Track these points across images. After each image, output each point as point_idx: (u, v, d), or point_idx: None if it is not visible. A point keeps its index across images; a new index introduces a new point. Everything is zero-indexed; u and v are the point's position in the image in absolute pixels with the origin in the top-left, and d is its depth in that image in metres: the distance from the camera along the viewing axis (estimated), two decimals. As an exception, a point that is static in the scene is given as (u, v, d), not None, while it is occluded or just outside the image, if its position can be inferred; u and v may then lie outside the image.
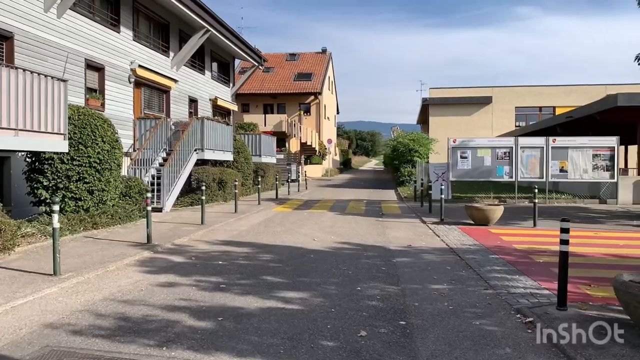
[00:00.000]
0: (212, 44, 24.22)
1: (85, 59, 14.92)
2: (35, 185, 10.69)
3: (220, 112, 26.08)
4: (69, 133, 10.55)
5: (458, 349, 4.38)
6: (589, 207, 17.47)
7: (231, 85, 27.90)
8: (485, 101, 41.90)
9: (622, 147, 26.75)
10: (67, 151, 10.51)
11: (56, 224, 6.92)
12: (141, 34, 18.71)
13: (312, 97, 45.14)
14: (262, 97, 44.84)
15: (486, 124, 41.63)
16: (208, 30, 21.02)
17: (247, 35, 32.02)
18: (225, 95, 26.62)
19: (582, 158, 18.53)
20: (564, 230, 5.34)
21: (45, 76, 9.78)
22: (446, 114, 41.55)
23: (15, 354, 4.28)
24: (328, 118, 50.26)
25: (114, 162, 11.93)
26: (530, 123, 40.72)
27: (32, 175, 10.80)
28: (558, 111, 41.07)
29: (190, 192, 17.60)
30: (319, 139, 45.07)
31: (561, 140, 18.76)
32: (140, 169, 16.02)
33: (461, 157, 19.13)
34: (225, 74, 27.27)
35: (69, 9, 14.11)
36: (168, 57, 20.47)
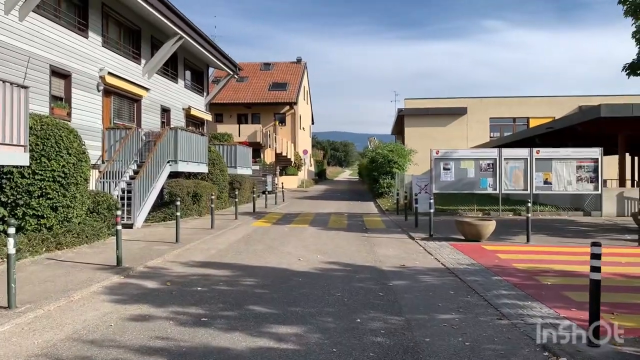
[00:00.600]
0: (186, 51, 23.38)
1: (50, 65, 13.95)
2: (-9, 202, 9.71)
3: (193, 122, 25.19)
4: (30, 144, 9.62)
5: (490, 402, 3.71)
6: (574, 219, 17.15)
7: (205, 94, 27.04)
8: (460, 112, 41.95)
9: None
10: (28, 164, 9.55)
11: (11, 250, 6.04)
12: (111, 40, 17.77)
13: (288, 107, 44.48)
14: (236, 107, 43.97)
15: (461, 135, 41.63)
16: (181, 37, 20.19)
17: (220, 45, 31.44)
18: (198, 104, 25.75)
19: (566, 169, 18.24)
20: (595, 256, 4.71)
21: (3, 82, 8.86)
22: (421, 124, 41.44)
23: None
24: (303, 128, 49.66)
25: (81, 176, 11.01)
26: (505, 134, 40.86)
27: (-12, 191, 9.82)
28: (532, 122, 41.38)
29: (163, 206, 16.68)
30: (295, 149, 44.37)
31: (545, 152, 18.46)
32: (110, 182, 15.07)
33: (444, 168, 18.66)
34: (199, 83, 26.40)
35: (32, 11, 13.16)
36: (139, 64, 19.55)
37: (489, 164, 18.54)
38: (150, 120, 20.31)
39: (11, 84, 9.03)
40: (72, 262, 8.94)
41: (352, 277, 8.04)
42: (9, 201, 9.68)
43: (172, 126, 19.29)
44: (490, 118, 42.46)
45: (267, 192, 28.11)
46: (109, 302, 6.49)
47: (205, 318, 5.75)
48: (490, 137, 41.54)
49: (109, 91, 17.45)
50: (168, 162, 16.51)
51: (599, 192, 18.19)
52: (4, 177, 9.65)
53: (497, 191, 18.50)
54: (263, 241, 12.07)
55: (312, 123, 60.40)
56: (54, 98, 14.37)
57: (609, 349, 4.57)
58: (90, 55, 16.01)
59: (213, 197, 14.51)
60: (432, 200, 12.99)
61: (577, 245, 11.24)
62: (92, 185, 14.55)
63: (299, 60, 50.83)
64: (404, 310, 6.12)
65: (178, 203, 11.54)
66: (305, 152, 45.37)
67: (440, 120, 41.82)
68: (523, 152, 18.58)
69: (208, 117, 26.95)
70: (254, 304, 6.36)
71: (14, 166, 9.54)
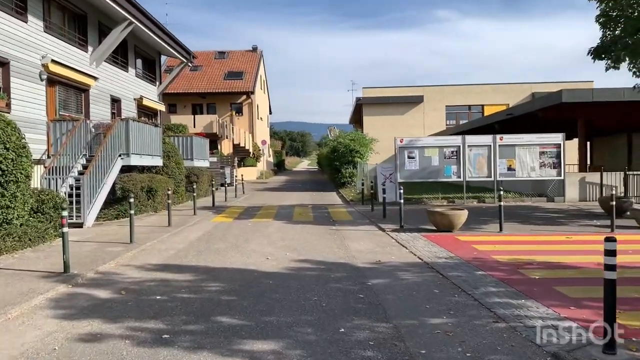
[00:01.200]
0: (136, 38, 22.11)
1: (-17, 51, 12.69)
2: None
3: (146, 112, 23.95)
4: (-41, 139, 8.56)
5: None
6: (539, 205, 17.08)
7: (158, 83, 25.77)
8: (417, 100, 41.97)
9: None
10: (-43, 161, 8.51)
11: None
12: (54, 25, 16.46)
13: (245, 97, 43.39)
14: (191, 97, 42.58)
15: (418, 123, 41.70)
16: (131, 23, 18.97)
17: (173, 33, 29.99)
18: (151, 94, 24.49)
19: (529, 156, 18.15)
20: (610, 253, 4.20)
21: None
22: (380, 113, 41.26)
23: None
24: (261, 118, 48.65)
25: (21, 173, 9.96)
26: (461, 121, 41.13)
27: None
28: (487, 109, 41.82)
29: (116, 202, 15.62)
30: (253, 140, 43.39)
31: (508, 138, 18.30)
32: (56, 178, 13.95)
33: (408, 157, 18.28)
34: (151, 72, 25.12)
35: (-39, -9, 11.89)
36: (86, 52, 18.26)
37: (452, 152, 18.26)
38: (100, 111, 19.07)
39: None
40: (12, 269, 7.98)
41: (327, 276, 7.42)
42: (-63, 203, 8.60)
43: (123, 117, 18.14)
44: (447, 106, 42.71)
45: (226, 185, 27.17)
46: (54, 319, 5.65)
47: (166, 335, 5.00)
48: (447, 124, 41.77)
49: (53, 80, 16.18)
50: (119, 155, 15.45)
51: (562, 177, 18.20)
52: None
53: (462, 179, 18.25)
54: (226, 238, 11.30)
55: (270, 113, 59.39)
56: (-10, 88, 13.12)
57: (627, 357, 4.10)
58: (30, 41, 14.71)
59: (169, 192, 13.61)
60: (401, 190, 12.48)
61: (551, 234, 10.99)
62: (36, 183, 13.42)
63: (254, 49, 49.66)
64: (389, 314, 5.54)
65: (132, 200, 10.60)
66: (263, 142, 44.46)
67: (398, 109, 41.74)
68: (486, 139, 18.38)
69: (161, 107, 25.72)
70: (222, 314, 5.65)
71: (-59, 163, 8.46)
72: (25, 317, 5.74)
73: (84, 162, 15.18)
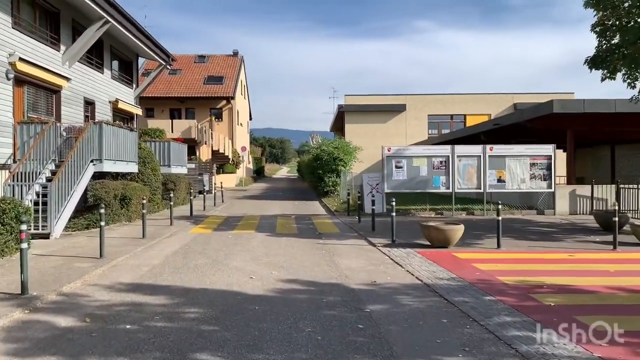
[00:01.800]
0: (113, 38, 21.14)
1: (-58, 45, 11.69)
2: None
3: (122, 116, 22.94)
4: None
5: None
6: (530, 219, 16.56)
7: (134, 86, 24.76)
8: (399, 109, 41.54)
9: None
10: None
11: None
12: (23, 22, 15.46)
13: (224, 102, 42.45)
14: (169, 101, 41.47)
15: (400, 132, 41.28)
16: (107, 22, 18.02)
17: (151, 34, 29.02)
18: (127, 97, 23.48)
19: (519, 167, 17.67)
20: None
21: None
22: (362, 121, 40.75)
23: None
24: (241, 124, 47.74)
25: (-21, 180, 9.01)
26: (443, 131, 40.85)
27: None
28: (469, 119, 41.64)
29: (87, 211, 14.65)
30: (233, 146, 42.44)
31: (498, 149, 17.79)
32: (22, 185, 12.95)
33: (396, 166, 17.64)
34: (127, 74, 24.11)
35: None
36: (58, 50, 17.25)
37: (441, 162, 17.69)
38: (72, 114, 18.05)
39: None
40: (-38, 290, 7.05)
41: (319, 301, 6.65)
42: None
43: (96, 120, 17.17)
44: (429, 115, 42.37)
45: (204, 192, 26.26)
46: (2, 356, 4.78)
47: (136, 379, 4.19)
48: (429, 134, 41.44)
49: (21, 80, 15.15)
50: (91, 161, 14.50)
51: (552, 190, 17.75)
52: None
53: (451, 190, 17.67)
54: (205, 253, 10.45)
55: (250, 119, 58.48)
56: (-51, 86, 12.10)
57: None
58: (-5, 37, 13.74)
59: (144, 201, 12.71)
60: (393, 202, 11.79)
61: (551, 251, 10.40)
62: (-2, 190, 12.43)
63: (235, 54, 48.79)
64: (396, 351, 4.80)
65: (102, 210, 9.70)
66: (243, 149, 43.52)
67: (381, 117, 41.28)
68: (476, 149, 17.84)
69: (138, 111, 24.70)
70: (202, 350, 4.84)
71: None
72: (-33, 353, 4.87)
73: (53, 168, 14.23)
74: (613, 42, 13.50)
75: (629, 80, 13.31)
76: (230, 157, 41.57)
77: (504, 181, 17.64)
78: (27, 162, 13.65)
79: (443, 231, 10.40)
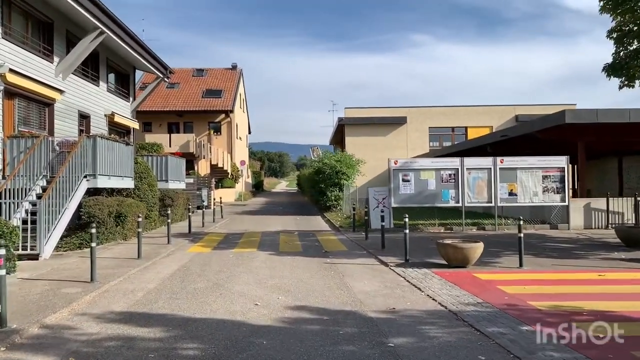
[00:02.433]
0: (109, 50, 20.55)
1: None
2: None
3: (118, 130, 22.25)
4: None
5: None
6: (545, 234, 15.83)
7: (131, 99, 24.11)
8: (400, 121, 40.92)
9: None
10: None
11: None
12: (15, 32, 14.86)
13: (223, 116, 41.86)
14: (167, 115, 40.89)
15: (401, 145, 40.64)
16: (102, 32, 17.43)
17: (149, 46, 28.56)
18: (124, 110, 22.83)
19: (531, 180, 17.00)
20: None
21: None
22: (362, 134, 40.12)
23: None
24: (240, 138, 47.12)
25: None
26: (445, 143, 40.28)
27: None
28: (470, 131, 41.06)
29: (80, 229, 13.88)
30: (232, 160, 41.75)
31: (509, 161, 17.13)
32: (9, 202, 12.19)
33: (403, 180, 16.95)
34: (124, 87, 23.47)
35: None
36: (52, 62, 16.62)
37: (450, 175, 17.00)
38: (66, 128, 17.37)
39: None
40: None
41: (335, 333, 5.90)
42: None
43: (89, 134, 16.48)
44: (430, 127, 41.75)
45: (203, 208, 25.51)
46: (-35, 410, 4.04)
47: None
48: (430, 146, 40.84)
49: (11, 92, 14.49)
50: (85, 176, 13.79)
51: (566, 203, 17.06)
52: None
53: (460, 204, 16.96)
54: (205, 275, 9.70)
55: (249, 133, 57.89)
56: None
57: None
58: (-16, 47, 13.11)
59: (140, 219, 11.97)
60: (406, 218, 11.06)
61: (578, 270, 9.65)
62: (-16, 207, 11.69)
63: (234, 67, 48.32)
64: (433, 400, 4.06)
65: (93, 230, 8.95)
66: (242, 163, 42.83)
67: (381, 130, 40.65)
68: (486, 161, 17.19)
69: (135, 125, 24.03)
70: (203, 401, 4.10)
71: None
72: None
73: (44, 184, 13.52)
74: (632, 47, 12.93)
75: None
76: (229, 171, 40.87)
77: (516, 194, 16.96)
78: (17, 178, 12.93)
79: (461, 250, 9.66)
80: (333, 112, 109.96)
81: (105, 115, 20.68)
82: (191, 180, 29.51)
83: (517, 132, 21.11)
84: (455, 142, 38.08)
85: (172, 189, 21.55)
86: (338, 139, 47.20)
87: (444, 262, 10.20)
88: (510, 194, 16.98)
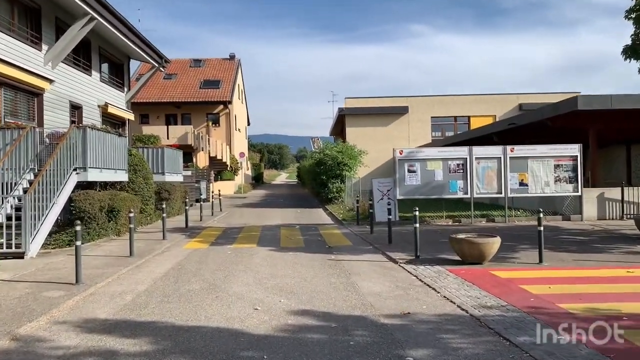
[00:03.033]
0: (101, 38, 19.76)
1: None
2: None
3: (112, 121, 21.50)
4: None
5: None
6: (558, 225, 15.12)
7: (126, 90, 23.34)
8: (402, 111, 40.09)
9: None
10: None
11: None
12: (0, 19, 14.11)
13: (222, 107, 41.05)
14: (164, 107, 40.09)
15: (403, 135, 39.86)
16: (93, 18, 16.64)
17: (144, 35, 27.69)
18: (118, 101, 22.06)
19: (542, 169, 16.26)
20: None
21: None
22: (363, 124, 39.31)
23: None
24: (239, 129, 46.33)
25: None
26: (447, 133, 39.49)
27: None
28: (473, 120, 40.25)
29: (71, 224, 13.14)
30: (230, 152, 41.00)
31: (520, 149, 16.39)
32: (-6, 197, 11.49)
33: (409, 170, 16.22)
34: (118, 77, 22.69)
35: None
36: (40, 50, 15.87)
37: (458, 165, 16.27)
38: (57, 119, 16.64)
39: None
40: None
41: (345, 345, 5.19)
42: None
43: (79, 124, 15.75)
44: (432, 117, 40.93)
45: (201, 201, 24.79)
46: None
47: None
48: (432, 136, 40.07)
49: (-4, 81, 13.78)
50: (74, 169, 13.09)
51: (579, 193, 16.35)
52: None
53: (469, 195, 16.24)
54: (200, 274, 9.00)
55: (248, 124, 57.08)
56: None
57: None
58: (-35, 33, 12.34)
59: (131, 214, 11.25)
60: (417, 211, 10.33)
61: (602, 266, 8.94)
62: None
63: (232, 57, 47.45)
64: None
65: (78, 228, 8.23)
66: (241, 154, 42.07)
67: (382, 120, 39.84)
68: (496, 150, 16.45)
69: (130, 116, 23.27)
70: None
71: None
72: None
73: (32, 178, 12.79)
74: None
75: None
76: (228, 163, 40.14)
77: (527, 185, 16.23)
78: (1, 172, 12.20)
79: (477, 245, 8.96)
80: (333, 102, 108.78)
81: (98, 106, 19.93)
82: (189, 173, 28.81)
83: (526, 119, 20.33)
84: (458, 132, 37.30)
85: (169, 182, 20.83)
86: (338, 130, 46.42)
87: (456, 257, 9.51)
88: (521, 184, 16.26)
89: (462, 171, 16.17)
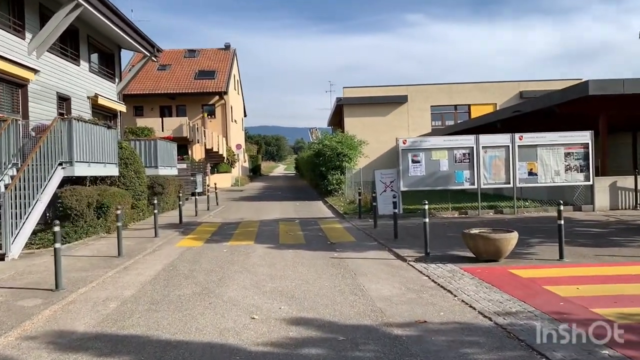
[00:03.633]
0: (89, 27, 18.91)
1: None
2: None
3: (103, 113, 20.70)
4: None
5: None
6: (570, 217, 14.39)
7: (117, 80, 22.50)
8: (401, 100, 39.28)
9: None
10: None
11: None
12: (-21, 5, 13.32)
13: (217, 98, 40.19)
14: (158, 98, 39.20)
15: (403, 125, 39.10)
16: (79, 5, 15.77)
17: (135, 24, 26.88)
18: (109, 92, 21.24)
19: (552, 158, 15.57)
20: None
21: None
22: (362, 114, 38.51)
23: None
24: (235, 121, 45.50)
25: None
26: (447, 122, 38.73)
27: None
28: (473, 109, 39.46)
29: (59, 221, 12.41)
30: (227, 144, 40.20)
31: (529, 137, 15.69)
32: (-28, 195, 10.73)
33: (413, 161, 15.51)
34: (109, 67, 21.85)
35: None
36: (23, 39, 15.05)
37: (464, 154, 15.56)
38: (43, 111, 15.84)
39: None
40: None
41: (356, 363, 4.50)
42: None
43: (65, 116, 14.97)
44: (432, 106, 40.12)
45: (197, 194, 24.04)
46: None
47: None
48: (432, 125, 39.31)
49: (-24, 72, 12.98)
50: (60, 164, 12.33)
51: (591, 182, 15.66)
52: None
53: (476, 186, 15.55)
54: (193, 277, 8.28)
55: (245, 115, 56.22)
56: None
57: None
58: (-61, 19, 11.53)
59: (119, 211, 10.53)
60: (426, 204, 9.57)
61: (628, 262, 8.27)
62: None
63: (227, 47, 46.50)
64: None
65: (57, 229, 7.49)
66: (238, 146, 41.31)
67: (382, 110, 39.03)
68: (503, 138, 15.74)
69: (122, 107, 22.44)
70: None
71: None
72: None
73: (14, 173, 12.03)
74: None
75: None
76: (224, 155, 39.36)
77: (536, 174, 15.54)
78: (-18, 168, 11.45)
79: (493, 241, 8.26)
80: (330, 93, 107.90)
81: (88, 98, 19.12)
82: (184, 166, 28.07)
83: (533, 106, 19.60)
84: (459, 121, 36.54)
85: (162, 176, 20.08)
86: (336, 120, 45.62)
87: (469, 254, 8.82)
88: (530, 173, 15.56)
89: (468, 161, 15.47)
